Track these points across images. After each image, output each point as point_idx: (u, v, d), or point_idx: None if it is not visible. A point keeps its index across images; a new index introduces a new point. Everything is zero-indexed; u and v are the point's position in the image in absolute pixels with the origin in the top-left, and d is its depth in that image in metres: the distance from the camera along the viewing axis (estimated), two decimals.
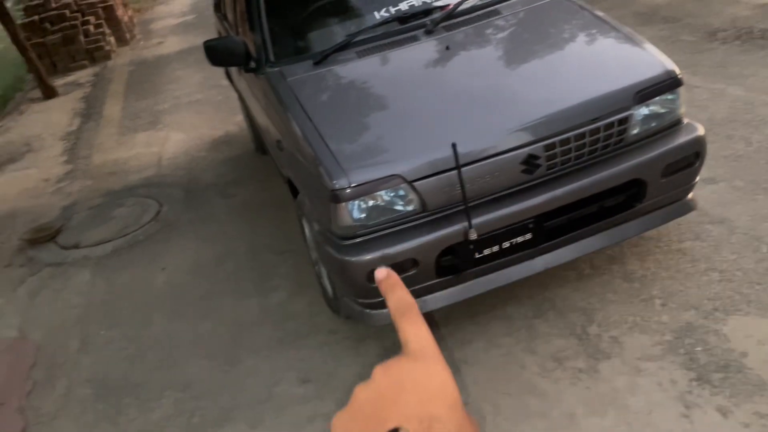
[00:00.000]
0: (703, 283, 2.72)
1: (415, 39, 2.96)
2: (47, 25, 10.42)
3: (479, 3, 3.13)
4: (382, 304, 2.54)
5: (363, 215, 2.40)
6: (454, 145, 2.29)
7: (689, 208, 2.80)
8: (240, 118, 5.81)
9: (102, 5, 11.24)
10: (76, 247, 4.28)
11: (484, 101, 2.55)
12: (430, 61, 2.85)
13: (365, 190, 2.36)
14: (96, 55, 10.44)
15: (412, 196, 2.40)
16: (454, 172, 2.34)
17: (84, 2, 11.11)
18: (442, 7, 3.11)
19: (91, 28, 10.66)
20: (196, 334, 3.18)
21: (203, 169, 5.25)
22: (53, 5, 10.83)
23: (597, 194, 2.55)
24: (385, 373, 0.49)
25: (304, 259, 3.40)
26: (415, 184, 2.37)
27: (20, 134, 7.42)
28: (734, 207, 3.15)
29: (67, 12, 10.70)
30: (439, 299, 2.57)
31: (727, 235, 2.97)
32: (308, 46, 3.17)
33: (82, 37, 10.40)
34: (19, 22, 10.37)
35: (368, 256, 2.38)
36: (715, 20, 5.91)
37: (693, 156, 2.64)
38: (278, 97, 2.86)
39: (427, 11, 3.09)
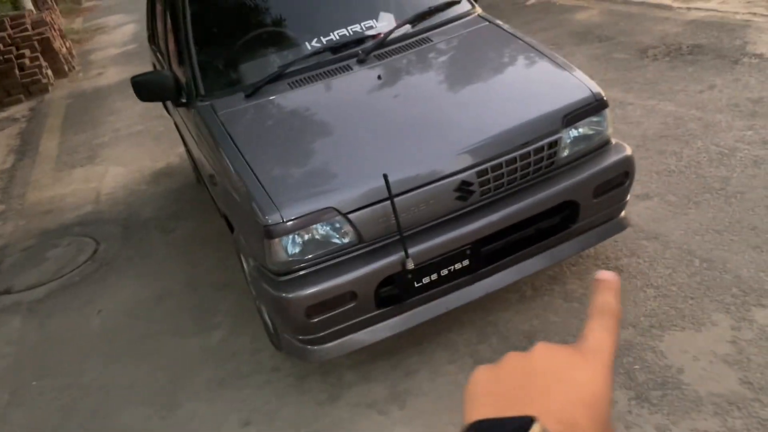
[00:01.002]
0: (640, 299, 2.76)
1: (347, 69, 2.95)
2: None
3: (410, 31, 3.14)
4: (323, 339, 2.49)
5: (298, 250, 2.36)
6: (385, 176, 2.28)
7: (623, 226, 2.85)
8: (181, 149, 5.69)
9: (38, 38, 10.93)
10: (8, 292, 4.08)
11: (415, 129, 2.55)
12: (362, 90, 2.85)
13: (299, 224, 2.31)
14: (32, 88, 10.13)
15: (347, 228, 2.37)
16: (388, 202, 2.32)
17: (19, 35, 10.79)
18: (374, 36, 3.11)
19: (27, 61, 10.34)
20: (132, 379, 3.06)
21: (143, 203, 5.11)
22: None
23: (532, 217, 2.57)
24: (547, 353, 0.47)
25: (246, 294, 3.32)
26: (350, 216, 2.34)
27: None
28: (667, 222, 3.22)
29: (0, 45, 10.37)
30: (381, 330, 2.53)
31: (661, 250, 3.03)
32: (240, 78, 3.12)
33: (17, 71, 10.08)
34: None
35: (305, 292, 2.33)
36: (646, 38, 6.12)
37: (623, 175, 2.69)
38: (210, 131, 2.80)
39: (359, 40, 3.09)
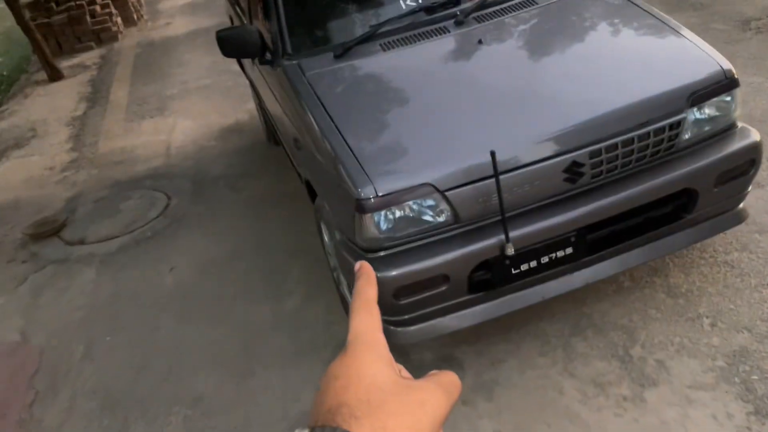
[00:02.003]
0: (755, 301, 2.51)
1: (444, 31, 2.74)
2: (53, 4, 10.17)
3: None
4: (407, 322, 2.35)
5: (390, 226, 2.20)
6: (492, 153, 2.08)
7: (740, 218, 2.59)
8: (250, 105, 5.59)
9: None
10: (82, 243, 4.10)
11: (522, 102, 2.33)
12: (461, 55, 2.63)
13: (393, 200, 2.15)
14: (102, 36, 10.19)
15: (443, 206, 2.19)
16: (491, 181, 2.13)
17: None
18: None
19: (98, 8, 10.39)
20: (205, 342, 3.01)
21: (212, 159, 5.05)
22: None
23: (644, 204, 2.34)
24: (329, 368, 0.49)
25: (319, 261, 3.21)
26: (448, 193, 2.16)
27: (25, 118, 7.22)
28: None
29: None
30: (470, 316, 2.38)
31: None
32: (328, 38, 2.94)
33: (88, 18, 10.15)
34: (24, 1, 10.15)
35: (395, 272, 2.18)
36: (747, 8, 5.63)
37: (748, 163, 2.42)
38: (296, 93, 2.65)
39: (456, 0, 2.86)
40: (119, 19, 10.76)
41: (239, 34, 2.93)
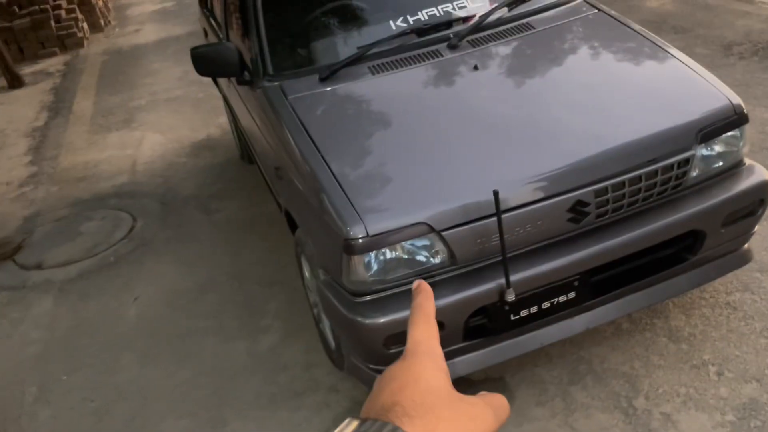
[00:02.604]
0: (761, 347, 2.38)
1: (437, 54, 2.57)
2: (15, 8, 9.78)
3: (507, 15, 2.74)
4: None
5: (381, 268, 2.02)
6: (495, 193, 1.91)
7: (745, 259, 2.46)
8: (223, 119, 5.36)
9: None
10: (39, 267, 3.81)
11: (523, 135, 2.17)
12: (456, 82, 2.46)
13: (385, 240, 1.97)
14: (67, 42, 9.81)
15: (439, 247, 2.02)
16: (491, 220, 1.96)
17: None
18: (466, 19, 2.72)
19: (63, 13, 10.03)
20: (172, 384, 2.76)
21: (183, 177, 4.79)
22: None
23: (651, 246, 2.19)
24: (387, 370, 0.51)
25: (298, 294, 3.00)
26: (445, 233, 1.98)
27: None
28: None
29: None
30: (464, 365, 2.19)
31: None
32: (313, 59, 2.76)
33: (53, 23, 9.77)
34: None
35: (386, 318, 1.99)
36: (728, 33, 5.62)
37: (757, 203, 2.30)
38: (278, 117, 2.45)
39: (450, 22, 2.70)
40: (85, 25, 10.41)
41: (216, 52, 2.72)
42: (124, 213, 4.29)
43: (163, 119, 6.17)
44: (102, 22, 10.98)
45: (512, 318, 2.13)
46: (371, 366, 2.19)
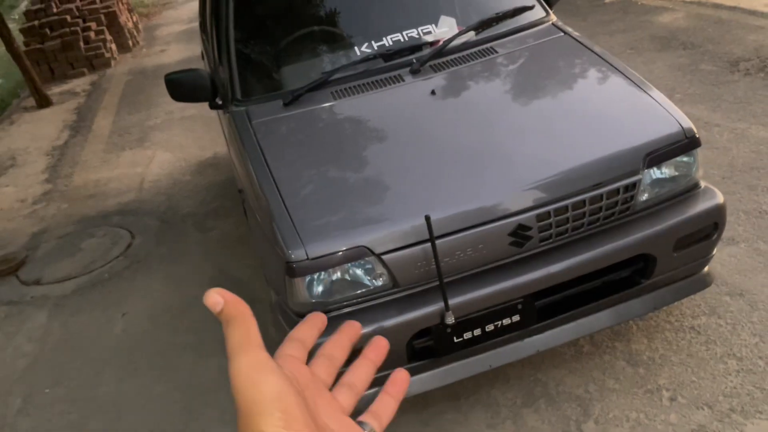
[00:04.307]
0: (719, 373, 2.35)
1: (398, 79, 2.63)
2: (47, 30, 10.19)
3: (473, 40, 2.78)
4: None
5: (323, 291, 2.07)
6: (427, 217, 1.95)
7: (705, 283, 2.44)
8: None
9: (105, 11, 11.00)
10: (38, 283, 3.97)
11: (469, 159, 2.21)
12: (413, 107, 2.51)
13: (326, 263, 2.02)
14: (95, 62, 10.19)
15: (380, 270, 2.06)
16: (429, 244, 1.99)
17: (86, 8, 10.88)
18: (432, 44, 2.77)
19: (92, 34, 10.42)
20: (147, 399, 2.85)
21: (185, 195, 4.93)
22: (54, 10, 10.61)
23: (597, 270, 2.20)
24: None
25: None
26: (384, 257, 2.03)
27: (7, 146, 7.16)
28: (756, 276, 2.78)
29: (68, 17, 10.47)
30: (413, 386, 2.22)
31: (747, 311, 2.60)
32: (280, 83, 2.84)
33: (81, 44, 10.16)
34: (18, 26, 10.18)
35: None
36: (737, 48, 5.53)
37: (711, 227, 2.29)
38: (241, 141, 2.54)
39: (415, 48, 2.76)
40: (113, 46, 10.78)
41: (189, 78, 2.82)
42: (124, 230, 4.43)
43: (175, 138, 6.36)
44: (130, 42, 11.36)
45: (455, 340, 2.15)
46: None
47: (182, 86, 2.80)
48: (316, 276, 2.04)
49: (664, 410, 2.24)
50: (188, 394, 2.83)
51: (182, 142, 6.15)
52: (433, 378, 2.23)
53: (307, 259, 2.00)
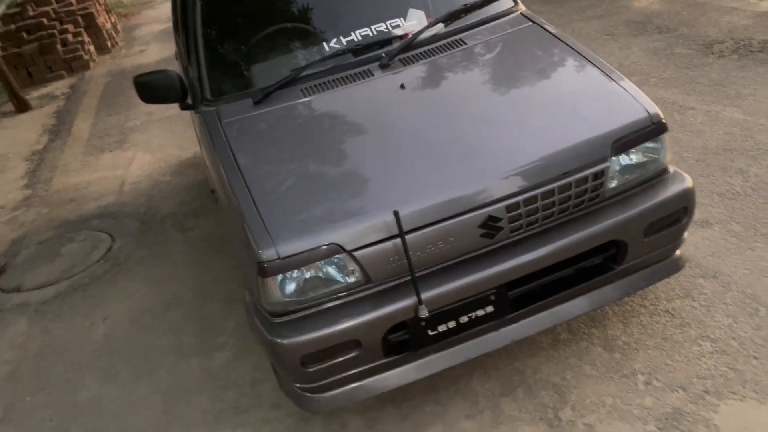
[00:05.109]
0: (693, 355, 2.38)
1: (368, 74, 2.62)
2: (23, 34, 10.09)
3: (442, 32, 2.78)
4: (324, 388, 2.21)
5: (296, 289, 2.07)
6: (396, 213, 1.96)
7: (677, 267, 2.46)
8: None
9: (82, 12, 10.91)
10: (18, 290, 3.95)
11: (438, 152, 2.21)
12: (382, 101, 2.51)
13: (297, 261, 2.02)
14: (74, 65, 10.11)
15: (353, 266, 2.06)
16: (399, 240, 2.00)
17: (63, 10, 10.78)
18: (401, 37, 2.77)
19: (70, 36, 10.33)
20: (127, 402, 2.85)
21: (165, 196, 4.92)
22: (31, 13, 10.50)
23: (569, 258, 2.21)
24: None
25: None
26: (356, 253, 2.03)
27: None
28: (730, 257, 2.81)
29: (44, 20, 10.38)
30: (390, 379, 2.23)
31: (721, 293, 2.63)
32: (250, 82, 2.82)
33: (59, 47, 10.07)
34: None
35: (301, 338, 2.05)
36: (712, 31, 5.57)
37: (680, 211, 2.30)
38: (212, 141, 2.53)
39: (384, 42, 2.75)
40: (92, 47, 10.69)
41: (158, 80, 2.80)
42: (103, 234, 4.41)
43: (155, 139, 6.32)
44: (109, 43, 11.27)
45: (430, 333, 2.16)
46: (297, 385, 2.24)
47: (151, 88, 2.78)
48: (288, 275, 2.04)
49: (639, 394, 2.27)
50: (170, 397, 2.82)
51: (162, 143, 6.12)
52: (410, 371, 2.24)
53: (279, 258, 2.00)
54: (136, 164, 5.76)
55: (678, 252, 2.46)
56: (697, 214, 3.03)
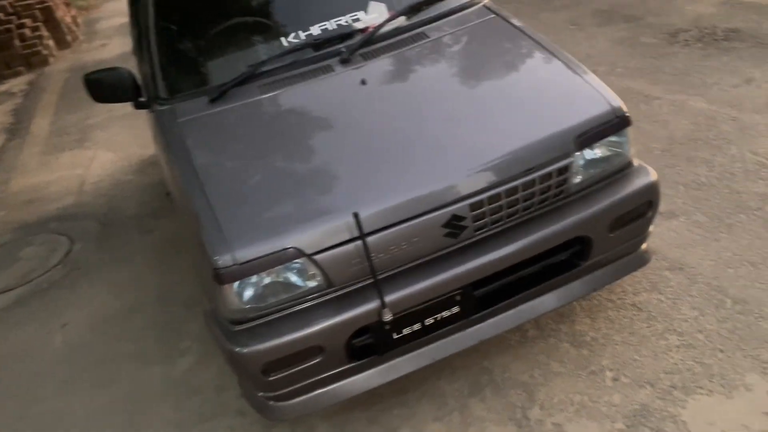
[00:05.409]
0: (661, 349, 2.37)
1: (328, 69, 2.55)
2: None
3: (404, 25, 2.72)
4: (287, 395, 2.15)
5: (255, 296, 2.00)
6: (356, 215, 1.90)
7: (643, 261, 2.45)
8: None
9: (40, 6, 10.57)
10: None
11: (399, 150, 2.15)
12: (342, 98, 2.44)
13: (255, 267, 1.95)
14: (33, 60, 9.81)
15: (313, 270, 2.00)
16: (360, 242, 1.94)
17: (20, 3, 10.43)
18: (361, 31, 2.69)
19: (28, 31, 10.00)
20: (88, 413, 2.75)
21: (126, 196, 4.78)
22: None
23: (534, 256, 2.18)
24: None
25: None
26: (316, 257, 1.97)
27: None
28: (695, 249, 2.81)
29: (1, 15, 10.02)
30: (356, 384, 2.18)
31: (687, 285, 2.63)
32: (206, 78, 2.72)
33: (17, 42, 9.75)
34: None
35: (261, 346, 1.98)
36: (677, 19, 5.59)
37: (645, 205, 2.28)
38: (166, 141, 2.44)
39: (345, 36, 2.67)
40: (51, 42, 10.39)
41: (109, 77, 2.70)
42: (62, 237, 4.27)
43: (116, 136, 6.16)
44: (69, 38, 10.96)
45: (395, 337, 2.11)
46: (260, 393, 2.17)
47: (102, 86, 2.68)
48: (246, 281, 1.97)
49: (607, 391, 2.25)
50: (131, 406, 2.73)
51: (124, 141, 5.96)
52: (376, 376, 2.19)
53: (236, 264, 1.93)
54: (96, 163, 5.60)
55: (644, 246, 2.44)
56: (663, 206, 3.02)
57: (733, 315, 2.43)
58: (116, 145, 5.92)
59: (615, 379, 2.28)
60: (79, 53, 10.28)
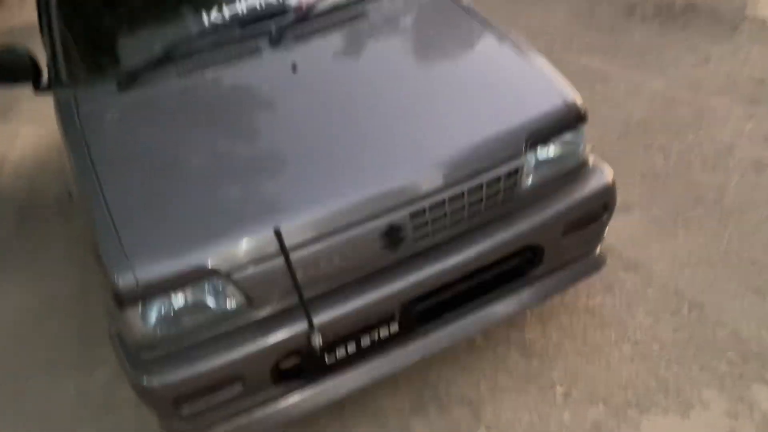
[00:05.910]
0: (614, 360, 2.22)
1: (255, 51, 2.26)
2: None
3: (342, 2, 2.43)
4: (208, 425, 1.91)
5: (163, 320, 1.74)
6: (277, 231, 1.66)
7: (597, 266, 2.28)
8: None
9: None
10: None
11: (330, 153, 1.89)
12: (269, 86, 2.16)
13: (162, 287, 1.69)
14: None
15: (230, 290, 1.75)
16: (283, 259, 1.70)
17: None
18: (295, 9, 2.40)
19: None
20: None
21: (50, 177, 4.39)
22: None
23: (480, 267, 1.98)
24: None
25: None
26: (234, 276, 1.72)
27: None
28: (651, 247, 2.66)
29: None
30: (285, 410, 1.96)
31: (642, 287, 2.48)
32: (116, 61, 2.40)
33: None
34: None
35: (171, 378, 1.74)
36: None
37: (600, 208, 2.10)
38: (65, 135, 2.13)
39: (275, 13, 2.37)
40: None
41: (3, 56, 2.35)
42: None
43: (46, 108, 5.65)
44: None
45: (327, 362, 1.90)
46: (173, 427, 1.93)
47: None
48: (150, 304, 1.71)
49: (557, 408, 2.09)
50: (41, 425, 2.47)
51: (53, 113, 5.49)
52: (307, 401, 1.97)
53: (137, 285, 1.66)
54: (21, 139, 5.15)
55: (598, 249, 2.27)
56: (619, 198, 2.84)
57: (691, 323, 2.30)
58: (44, 117, 5.38)
59: (566, 395, 2.13)
60: (9, 14, 9.54)
